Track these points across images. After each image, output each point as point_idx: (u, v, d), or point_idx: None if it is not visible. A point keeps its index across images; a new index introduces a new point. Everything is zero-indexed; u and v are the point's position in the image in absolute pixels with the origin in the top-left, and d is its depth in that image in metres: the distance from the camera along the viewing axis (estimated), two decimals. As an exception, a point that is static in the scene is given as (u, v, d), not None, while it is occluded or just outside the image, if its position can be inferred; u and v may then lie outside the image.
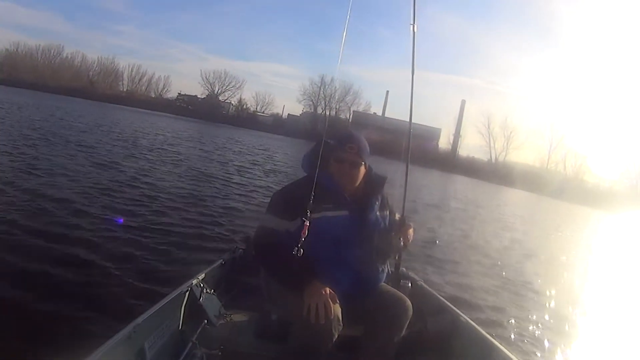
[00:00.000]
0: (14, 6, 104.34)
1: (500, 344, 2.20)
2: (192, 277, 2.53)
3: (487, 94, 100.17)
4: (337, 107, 70.38)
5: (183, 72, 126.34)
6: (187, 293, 2.38)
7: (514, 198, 36.17)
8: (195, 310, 2.39)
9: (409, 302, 2.20)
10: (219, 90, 75.61)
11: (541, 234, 14.49)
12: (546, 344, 4.41)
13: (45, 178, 7.48)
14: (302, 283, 1.93)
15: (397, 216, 2.41)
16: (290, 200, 2.12)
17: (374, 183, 2.31)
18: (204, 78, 75.76)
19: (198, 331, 2.27)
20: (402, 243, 2.28)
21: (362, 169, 2.24)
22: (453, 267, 6.75)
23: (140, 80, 78.35)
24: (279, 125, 70.78)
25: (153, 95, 77.91)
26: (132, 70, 78.14)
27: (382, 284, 2.31)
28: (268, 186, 11.85)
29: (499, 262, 7.96)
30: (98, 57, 78.38)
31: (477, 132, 71.05)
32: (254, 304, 2.67)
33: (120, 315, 2.73)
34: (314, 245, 2.02)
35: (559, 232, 16.40)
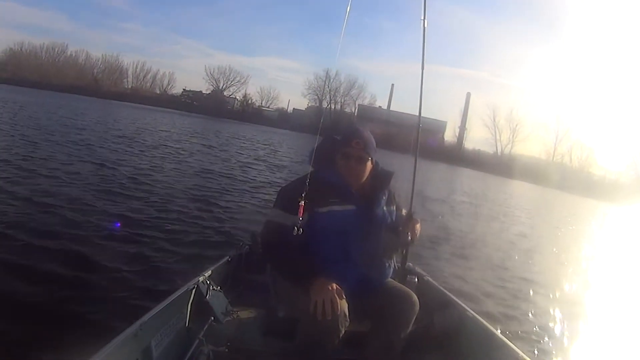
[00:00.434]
0: (17, 6, 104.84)
1: (507, 339, 2.18)
2: (198, 274, 2.53)
3: (492, 86, 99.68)
4: (343, 100, 70.42)
5: (188, 68, 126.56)
6: (194, 290, 2.38)
7: (520, 191, 36.00)
8: (201, 307, 2.39)
9: (415, 298, 2.20)
10: (224, 86, 75.64)
11: (548, 227, 14.42)
12: (554, 339, 4.40)
13: (45, 178, 7.46)
14: (308, 279, 1.92)
15: (404, 211, 2.40)
16: (297, 195, 2.12)
17: (381, 178, 2.30)
18: (209, 74, 75.75)
19: (205, 328, 2.27)
20: (409, 238, 2.26)
21: (369, 164, 2.23)
22: (460, 262, 6.71)
23: (145, 76, 78.50)
24: (284, 120, 70.85)
25: (158, 92, 78.12)
26: (136, 67, 78.29)
27: (389, 279, 2.30)
28: (274, 181, 11.86)
29: (507, 256, 7.93)
30: (102, 55, 78.52)
31: (482, 125, 70.95)
32: (260, 300, 2.67)
33: (127, 313, 2.73)
34: (321, 239, 2.02)
35: (565, 225, 16.30)
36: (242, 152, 19.29)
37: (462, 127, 68.67)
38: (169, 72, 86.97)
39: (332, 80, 68.05)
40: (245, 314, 2.54)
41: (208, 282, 2.50)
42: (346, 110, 69.50)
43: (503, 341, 2.18)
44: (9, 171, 7.46)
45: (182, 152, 15.03)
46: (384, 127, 48.05)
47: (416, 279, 2.87)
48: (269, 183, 11.35)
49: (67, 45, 76.44)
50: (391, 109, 71.71)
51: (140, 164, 10.99)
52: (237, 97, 76.50)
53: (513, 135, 66.94)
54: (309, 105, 72.24)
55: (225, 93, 75.81)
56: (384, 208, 2.27)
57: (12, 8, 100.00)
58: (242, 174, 12.34)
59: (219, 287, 2.58)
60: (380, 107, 73.10)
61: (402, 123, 51.22)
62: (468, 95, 70.71)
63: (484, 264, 6.90)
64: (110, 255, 4.35)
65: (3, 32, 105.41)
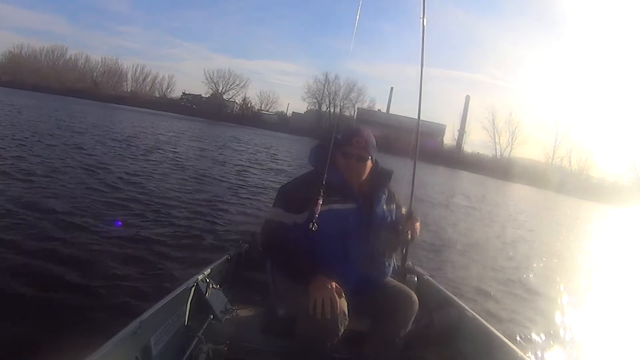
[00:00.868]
0: (16, 8, 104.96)
1: (506, 339, 2.18)
2: (197, 272, 2.53)
3: (491, 89, 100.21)
4: (342, 104, 70.50)
5: (187, 72, 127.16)
6: (193, 289, 2.38)
7: (520, 194, 36.00)
8: (201, 305, 2.38)
9: (415, 297, 2.20)
10: (223, 89, 75.82)
11: (548, 231, 14.40)
12: (554, 340, 4.40)
13: (47, 179, 7.49)
14: (308, 277, 1.92)
15: (404, 210, 2.40)
16: (297, 194, 2.13)
17: (381, 177, 2.30)
18: (208, 77, 75.99)
19: (204, 326, 2.27)
20: (409, 236, 2.26)
21: (369, 163, 2.23)
22: (459, 265, 6.72)
23: (144, 80, 78.87)
24: (283, 124, 70.88)
25: (157, 95, 78.30)
26: (136, 71, 78.67)
27: (389, 278, 2.30)
28: (270, 185, 11.84)
29: (506, 259, 7.93)
30: (102, 58, 78.98)
31: (481, 128, 71.55)
32: (260, 299, 2.67)
33: (126, 311, 2.73)
34: (321, 238, 2.02)
35: (565, 228, 16.31)
36: (239, 156, 19.25)
37: (462, 130, 68.96)
38: (169, 76, 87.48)
39: (331, 83, 68.39)
40: (244, 312, 2.54)
41: (207, 280, 2.49)
42: (345, 113, 69.62)
43: (502, 340, 2.18)
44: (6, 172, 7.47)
45: (179, 156, 14.99)
46: (383, 130, 48.01)
47: (416, 278, 2.87)
48: (265, 187, 11.31)
49: (66, 49, 76.97)
50: (390, 112, 71.96)
51: (138, 166, 10.99)
52: (237, 101, 76.80)
53: (512, 138, 67.29)
54: (309, 108, 72.48)
55: (224, 96, 76.02)
56: (384, 207, 2.28)
57: (11, 11, 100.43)
58: (238, 177, 12.32)
59: (218, 286, 2.58)
60: (379, 110, 73.34)
61: (401, 126, 51.36)
62: (467, 98, 71.06)
63: (484, 267, 6.89)
64: (110, 254, 4.36)
65: (2, 35, 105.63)
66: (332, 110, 69.69)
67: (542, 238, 11.92)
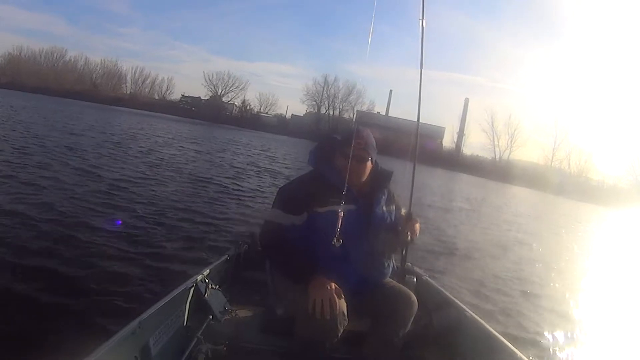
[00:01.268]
0: (16, 9, 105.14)
1: (505, 339, 2.18)
2: (197, 272, 2.53)
3: (490, 91, 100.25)
4: (341, 106, 70.61)
5: (186, 74, 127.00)
6: (192, 289, 2.38)
7: (519, 196, 36.03)
8: (200, 305, 2.39)
9: (414, 297, 2.20)
10: (222, 91, 75.95)
11: (547, 234, 14.38)
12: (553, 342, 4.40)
13: (47, 179, 7.50)
14: (307, 278, 1.93)
15: (403, 211, 2.40)
16: (296, 195, 2.13)
17: (380, 178, 2.30)
18: (207, 79, 76.20)
19: (203, 327, 2.27)
20: (408, 237, 2.26)
21: (369, 164, 2.23)
22: (459, 267, 6.71)
23: (143, 82, 79.00)
24: (282, 126, 70.93)
25: (156, 97, 78.34)
26: (135, 73, 78.84)
27: (388, 279, 2.30)
28: (269, 186, 11.85)
29: (506, 263, 7.93)
30: (101, 60, 79.15)
31: (481, 130, 71.53)
32: (259, 299, 2.68)
33: (125, 311, 2.73)
34: (320, 238, 2.02)
35: (565, 230, 16.32)
36: (237, 158, 19.25)
37: (461, 133, 69.09)
38: (168, 78, 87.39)
39: (330, 86, 68.52)
40: (243, 312, 2.54)
41: (207, 280, 2.50)
42: (345, 116, 69.80)
43: (501, 341, 2.18)
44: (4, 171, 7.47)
45: (178, 158, 14.97)
46: (383, 132, 48.05)
47: (415, 279, 2.87)
48: (263, 189, 11.30)
49: (66, 51, 77.15)
50: (390, 114, 72.01)
51: (138, 168, 11.00)
52: (236, 103, 76.86)
53: (511, 141, 67.40)
54: (308, 111, 72.54)
55: (223, 99, 76.14)
56: (384, 208, 2.27)
57: (9, 11, 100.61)
58: (237, 179, 12.33)
59: (217, 286, 2.58)
60: (378, 112, 73.36)
61: (401, 129, 51.35)
62: (466, 100, 71.19)
63: (483, 270, 6.89)
64: (108, 255, 4.37)
65: (1, 36, 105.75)
66: (331, 112, 69.88)
67: (542, 241, 11.91)
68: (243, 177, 13.12)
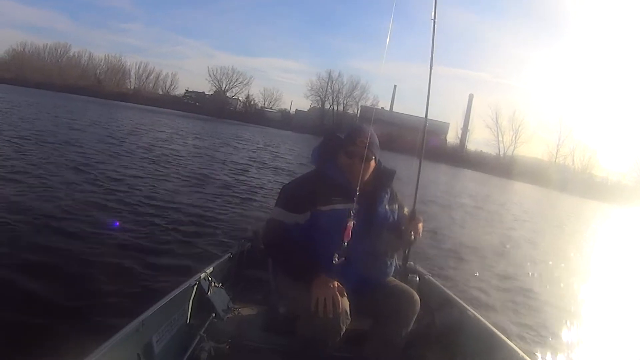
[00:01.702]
0: (18, 5, 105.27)
1: (507, 338, 2.18)
2: (200, 271, 2.53)
3: (495, 87, 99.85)
4: (345, 102, 70.33)
5: (190, 69, 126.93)
6: (195, 287, 2.38)
7: (523, 192, 35.89)
8: (203, 304, 2.39)
9: (416, 296, 2.19)
10: (227, 87, 75.71)
11: (552, 230, 14.35)
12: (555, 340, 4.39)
13: (47, 179, 7.45)
14: (310, 276, 1.93)
15: (406, 210, 2.39)
16: (299, 194, 2.13)
17: (383, 177, 2.30)
18: (211, 74, 75.90)
19: (206, 325, 2.28)
20: (412, 237, 2.25)
21: (372, 163, 2.22)
22: (461, 265, 6.70)
23: (147, 77, 78.98)
24: (286, 121, 70.89)
25: (160, 93, 78.38)
26: (139, 68, 78.80)
27: (390, 277, 2.30)
28: (273, 183, 11.83)
29: (510, 260, 7.91)
30: (105, 56, 79.14)
31: (485, 127, 71.07)
32: (261, 297, 2.68)
33: (128, 309, 2.73)
34: (323, 237, 2.02)
35: (568, 227, 16.27)
36: (241, 154, 19.24)
37: (465, 129, 68.87)
38: (172, 73, 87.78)
39: (334, 81, 68.29)
40: (246, 310, 2.55)
41: (210, 278, 2.50)
42: (349, 111, 69.44)
43: (503, 340, 2.17)
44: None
45: (181, 154, 14.95)
46: (387, 128, 47.97)
47: (417, 278, 2.86)
48: (266, 186, 11.28)
49: (69, 46, 77.20)
50: (394, 110, 71.82)
51: (140, 164, 11.00)
52: (240, 98, 76.68)
53: (515, 137, 67.11)
54: (312, 106, 72.36)
55: (227, 94, 75.93)
56: (386, 207, 2.27)
57: (12, 7, 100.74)
58: (240, 176, 12.30)
59: (220, 284, 2.59)
60: (383, 108, 73.11)
61: (404, 124, 51.30)
62: (471, 96, 70.97)
63: (487, 268, 6.88)
64: (111, 253, 4.35)
65: (5, 33, 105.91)
66: (335, 108, 69.68)
67: (546, 238, 11.88)
68: (246, 173, 13.10)
